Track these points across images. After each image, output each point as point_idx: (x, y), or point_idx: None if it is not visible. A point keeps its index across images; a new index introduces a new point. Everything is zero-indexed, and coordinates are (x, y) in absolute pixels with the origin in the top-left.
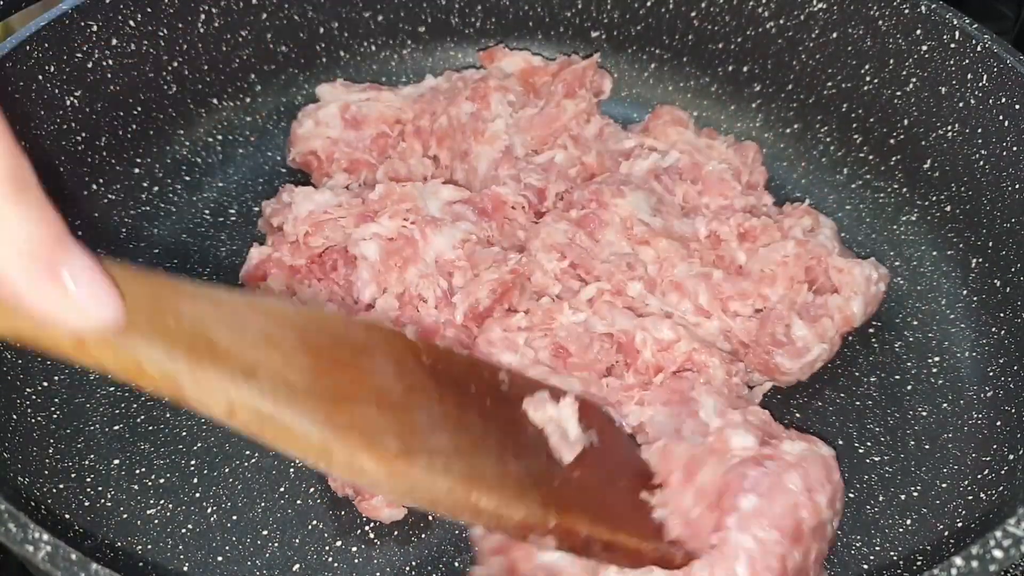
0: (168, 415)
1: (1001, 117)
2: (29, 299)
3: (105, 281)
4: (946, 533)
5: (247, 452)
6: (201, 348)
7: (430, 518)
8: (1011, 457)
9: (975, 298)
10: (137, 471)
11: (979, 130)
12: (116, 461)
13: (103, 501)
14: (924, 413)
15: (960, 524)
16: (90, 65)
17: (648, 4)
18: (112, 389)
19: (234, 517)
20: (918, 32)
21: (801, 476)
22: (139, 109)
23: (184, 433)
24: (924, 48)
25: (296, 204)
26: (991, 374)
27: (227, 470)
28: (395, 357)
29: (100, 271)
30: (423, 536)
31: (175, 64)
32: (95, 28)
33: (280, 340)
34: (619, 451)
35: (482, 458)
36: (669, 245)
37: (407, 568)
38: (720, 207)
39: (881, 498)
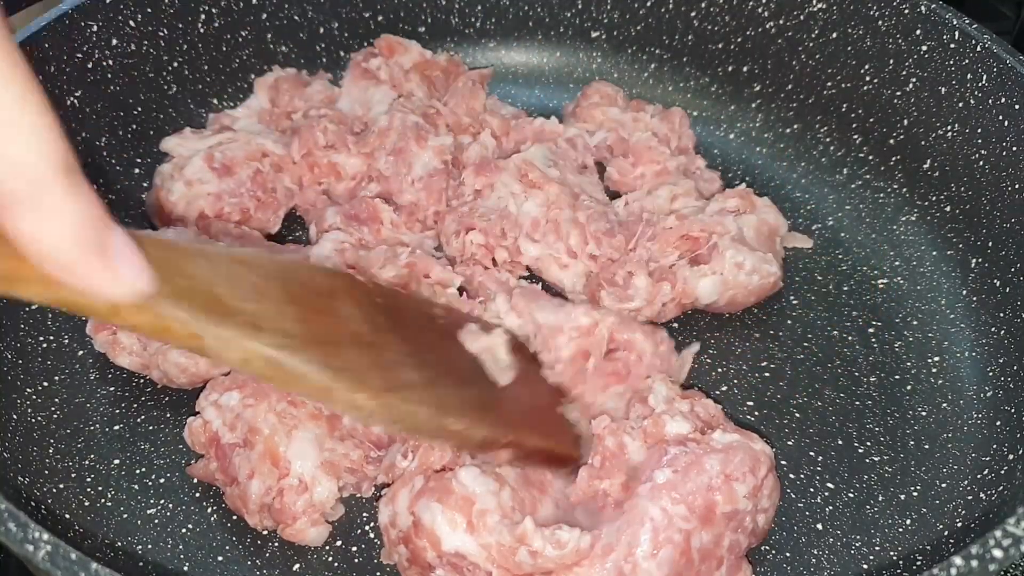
0: (168, 415)
1: (1001, 117)
2: (79, 274)
3: (140, 254)
4: (946, 533)
5: None
6: (214, 307)
7: None
8: (1011, 457)
9: (975, 298)
10: (137, 471)
11: (979, 130)
12: (116, 461)
13: (103, 501)
14: (924, 413)
15: (960, 524)
16: (90, 65)
17: (648, 4)
18: (112, 389)
19: (234, 517)
20: (918, 32)
21: (721, 462)
22: (139, 109)
23: (184, 433)
24: (924, 48)
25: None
26: (991, 374)
27: None
28: (356, 300)
29: (135, 245)
30: None
31: (175, 64)
32: (95, 28)
33: (268, 291)
34: (536, 372)
35: (444, 388)
36: (560, 191)
37: None
38: (655, 173)
39: (881, 498)
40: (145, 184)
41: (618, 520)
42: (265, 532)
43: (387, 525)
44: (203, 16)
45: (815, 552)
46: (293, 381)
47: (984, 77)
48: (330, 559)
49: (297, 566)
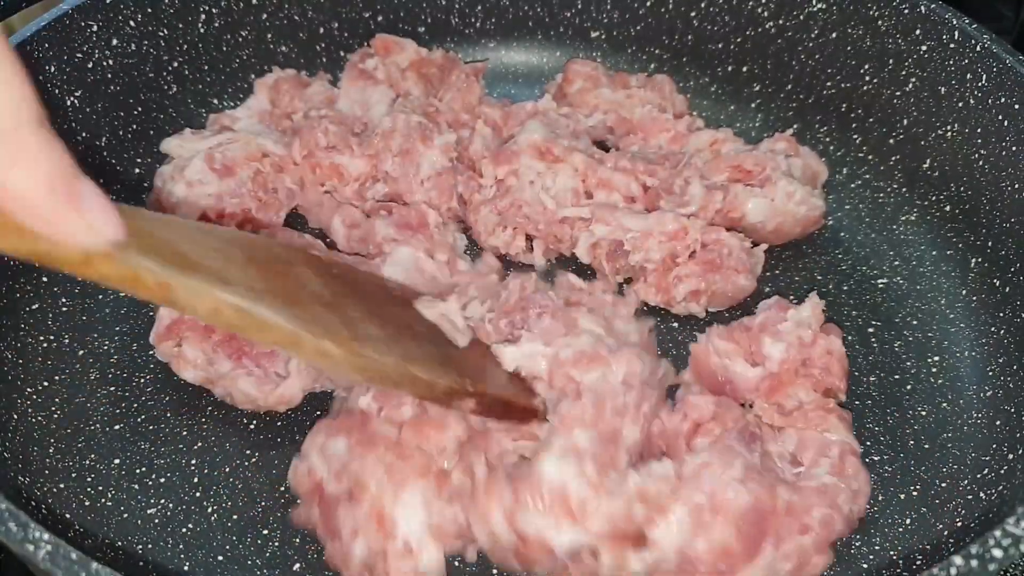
0: (168, 415)
1: (1000, 117)
2: (53, 222)
3: (110, 203)
4: (946, 533)
5: (247, 452)
6: (182, 261)
7: None
8: (1010, 457)
9: (975, 298)
10: (137, 471)
11: (978, 130)
12: (116, 461)
13: (103, 501)
14: (924, 413)
15: (960, 524)
16: (90, 65)
17: (648, 4)
18: (112, 389)
19: (234, 517)
20: (917, 32)
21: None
22: (139, 109)
23: (184, 433)
24: (924, 48)
25: None
26: (991, 374)
27: (227, 470)
28: (314, 269)
29: (104, 195)
30: None
31: (175, 64)
32: (95, 28)
33: (232, 255)
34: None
35: (407, 342)
36: (583, 156)
37: None
38: (670, 140)
39: (881, 498)
40: (146, 184)
41: (704, 452)
42: (266, 532)
43: (491, 549)
44: (203, 16)
45: None
46: (263, 330)
47: (984, 77)
48: None
49: (297, 566)
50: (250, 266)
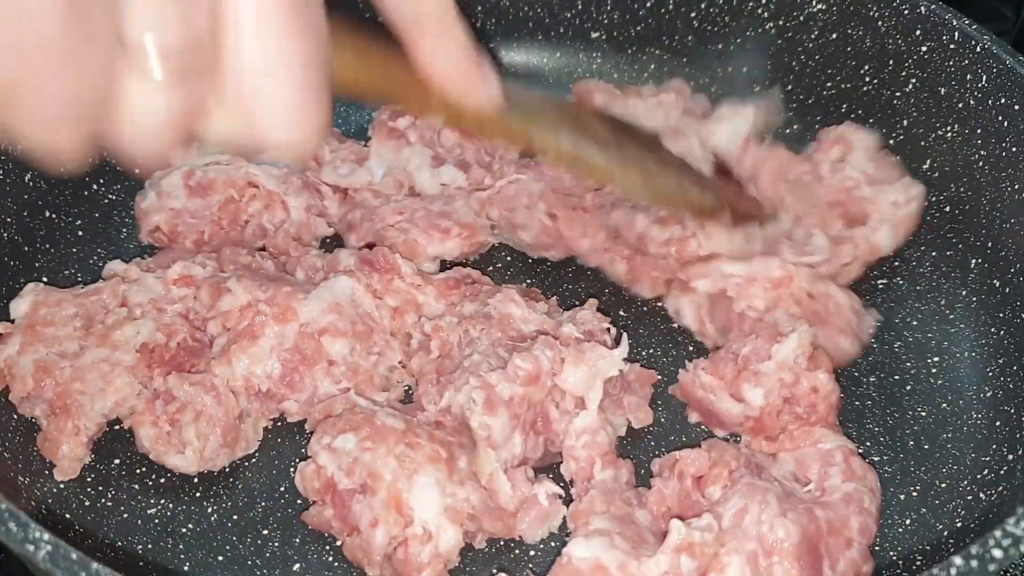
0: None
1: (1000, 117)
2: (467, 88)
3: (495, 74)
4: (946, 533)
5: (247, 452)
6: (532, 118)
7: None
8: (1010, 457)
9: (974, 298)
10: (137, 471)
11: (979, 130)
12: (116, 461)
13: (103, 501)
14: (923, 413)
15: (960, 524)
16: None
17: (648, 4)
18: None
19: (234, 517)
20: (918, 33)
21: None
22: None
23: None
24: (924, 49)
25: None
26: (990, 374)
27: (227, 470)
28: (597, 121)
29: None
30: None
31: None
32: None
33: (551, 115)
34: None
35: (674, 170)
36: None
37: None
38: None
39: (881, 498)
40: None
41: (734, 498)
42: (266, 532)
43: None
44: None
45: None
46: (586, 167)
47: (984, 78)
48: (330, 559)
49: (297, 566)
50: (564, 121)
